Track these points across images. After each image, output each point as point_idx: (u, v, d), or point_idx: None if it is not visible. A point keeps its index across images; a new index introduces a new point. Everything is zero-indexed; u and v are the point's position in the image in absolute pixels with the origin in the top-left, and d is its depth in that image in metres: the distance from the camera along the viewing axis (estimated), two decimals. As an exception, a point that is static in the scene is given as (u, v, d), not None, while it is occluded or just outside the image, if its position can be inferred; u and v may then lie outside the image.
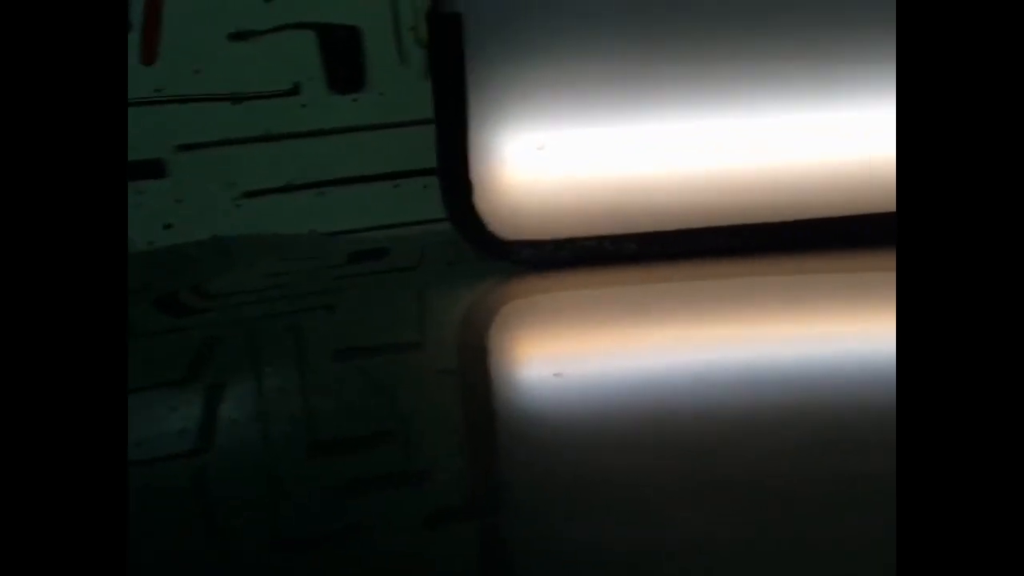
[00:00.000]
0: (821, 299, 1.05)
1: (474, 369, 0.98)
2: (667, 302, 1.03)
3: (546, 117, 1.01)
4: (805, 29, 1.02)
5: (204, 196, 1.80)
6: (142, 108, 1.78)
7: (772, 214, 1.09)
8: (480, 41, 0.98)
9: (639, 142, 1.03)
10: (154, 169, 1.79)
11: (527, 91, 1.01)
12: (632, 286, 1.03)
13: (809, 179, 1.08)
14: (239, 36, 1.79)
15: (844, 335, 0.94)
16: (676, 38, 1.00)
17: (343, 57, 1.81)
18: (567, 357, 0.95)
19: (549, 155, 1.02)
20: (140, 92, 1.78)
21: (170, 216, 1.77)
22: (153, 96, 1.79)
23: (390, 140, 1.82)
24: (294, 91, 1.82)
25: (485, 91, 0.99)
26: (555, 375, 0.90)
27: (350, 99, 1.84)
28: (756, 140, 1.06)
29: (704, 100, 1.02)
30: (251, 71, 1.80)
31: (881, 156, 1.04)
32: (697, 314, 1.03)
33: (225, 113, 1.82)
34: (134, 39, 1.76)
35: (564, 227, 1.01)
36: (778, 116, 1.05)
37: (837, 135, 1.05)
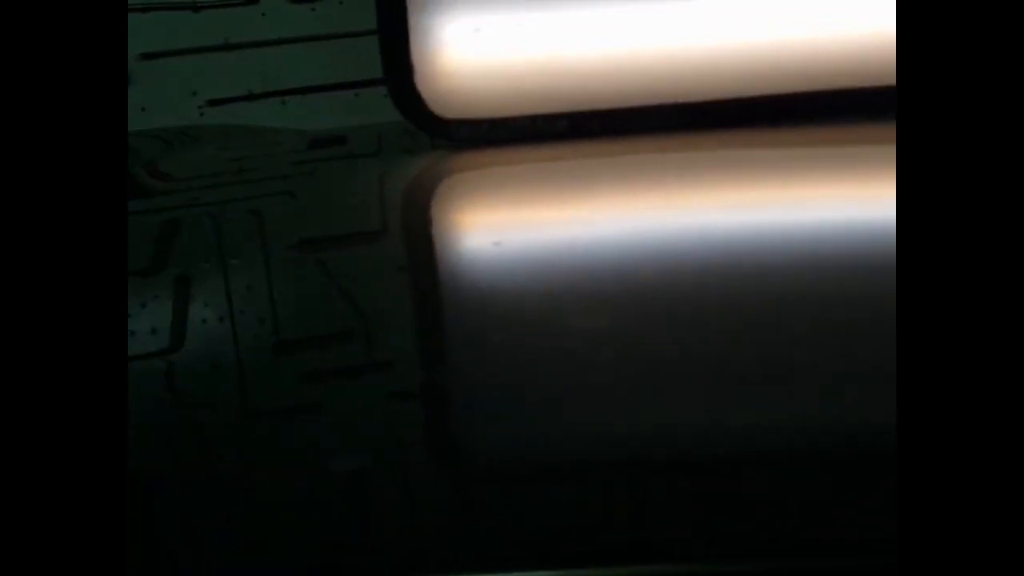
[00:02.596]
0: (749, 172, 1.10)
1: (420, 251, 1.01)
2: (599, 176, 1.08)
3: (482, 2, 1.05)
4: None
5: (167, 104, 1.83)
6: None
7: (712, 92, 1.12)
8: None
9: (574, 24, 1.07)
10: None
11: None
12: (568, 161, 1.08)
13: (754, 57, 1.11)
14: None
15: (768, 203, 0.98)
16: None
17: (301, -34, 1.84)
18: (506, 227, 0.99)
19: (485, 38, 1.07)
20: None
21: (134, 124, 1.81)
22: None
23: (349, 48, 1.86)
24: (254, 0, 1.86)
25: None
26: (494, 244, 0.93)
27: (308, 8, 1.87)
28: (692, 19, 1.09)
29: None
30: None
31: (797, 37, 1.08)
32: (634, 186, 1.07)
33: (186, 21, 1.85)
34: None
35: (500, 107, 1.06)
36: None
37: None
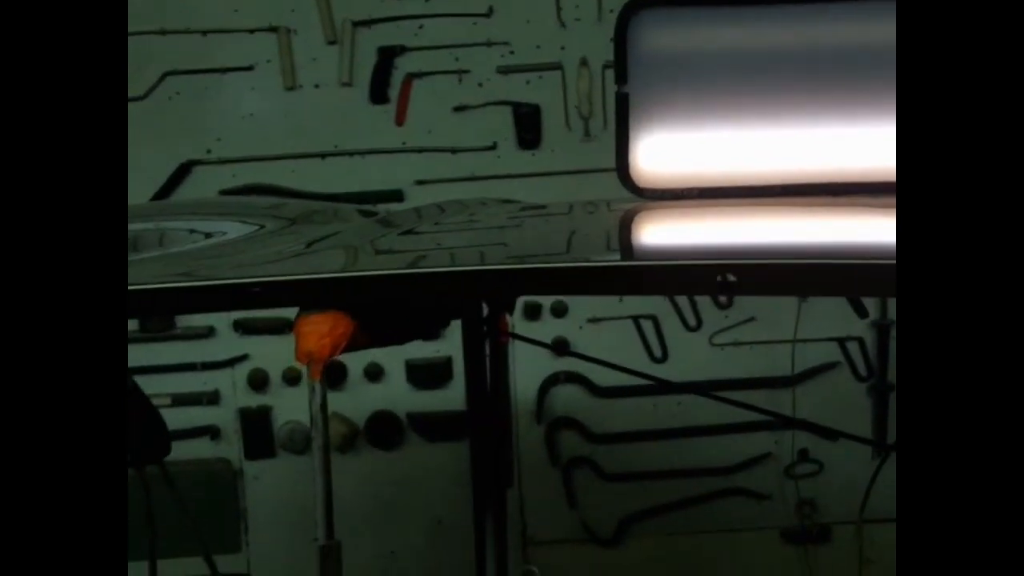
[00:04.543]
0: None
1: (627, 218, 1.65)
2: (725, 208, 1.73)
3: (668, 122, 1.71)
4: None
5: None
6: (392, 155, 2.61)
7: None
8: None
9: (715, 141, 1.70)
10: (397, 196, 2.61)
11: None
12: (699, 207, 1.73)
13: None
14: (458, 109, 2.61)
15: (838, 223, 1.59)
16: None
17: (528, 125, 2.61)
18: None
19: (667, 147, 1.72)
20: (391, 144, 2.62)
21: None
22: (399, 147, 2.62)
23: (557, 183, 2.59)
24: (493, 147, 2.63)
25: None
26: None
27: (530, 154, 2.63)
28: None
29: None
30: (465, 133, 2.61)
31: None
32: (761, 211, 1.71)
33: (446, 160, 2.63)
34: (390, 109, 2.60)
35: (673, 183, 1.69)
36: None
37: None
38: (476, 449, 1.89)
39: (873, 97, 1.51)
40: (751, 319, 2.68)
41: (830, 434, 2.60)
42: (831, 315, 2.68)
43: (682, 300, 2.69)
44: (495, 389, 1.87)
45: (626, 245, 1.50)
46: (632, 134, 1.57)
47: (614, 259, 1.33)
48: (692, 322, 2.70)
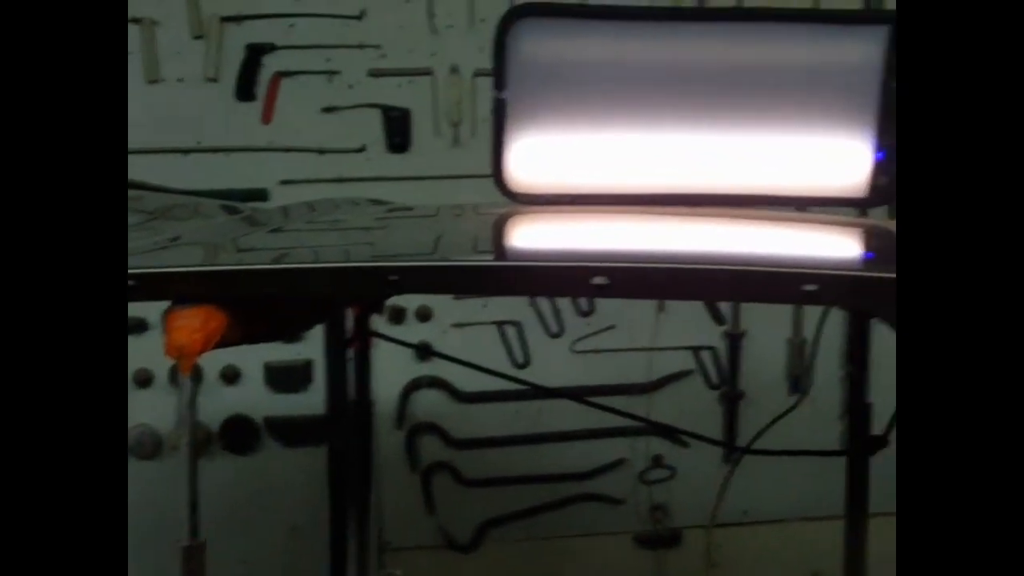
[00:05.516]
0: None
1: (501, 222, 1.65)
2: (589, 216, 1.78)
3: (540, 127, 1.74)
4: None
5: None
6: (258, 153, 2.57)
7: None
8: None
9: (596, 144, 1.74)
10: (261, 195, 2.57)
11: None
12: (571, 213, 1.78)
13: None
14: (328, 110, 2.59)
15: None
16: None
17: (397, 129, 2.61)
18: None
19: (540, 150, 1.75)
20: (257, 143, 2.58)
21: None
22: (266, 146, 2.58)
23: (426, 187, 2.60)
24: (362, 150, 2.62)
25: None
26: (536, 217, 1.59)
27: (399, 158, 2.63)
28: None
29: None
30: (334, 134, 2.60)
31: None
32: (631, 216, 1.76)
33: (313, 161, 2.60)
34: (257, 107, 2.56)
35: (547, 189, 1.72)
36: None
37: None
38: (335, 455, 1.87)
39: (742, 111, 1.58)
40: (611, 327, 2.74)
41: (683, 440, 2.70)
42: (686, 325, 2.77)
43: (545, 307, 2.74)
44: (357, 393, 1.87)
45: (498, 247, 1.52)
46: (508, 140, 1.60)
47: (487, 260, 1.35)
48: (555, 329, 2.74)
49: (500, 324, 2.71)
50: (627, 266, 1.12)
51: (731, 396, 2.84)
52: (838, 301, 1.29)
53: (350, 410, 1.86)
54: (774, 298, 1.14)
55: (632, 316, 2.72)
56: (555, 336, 2.75)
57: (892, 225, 1.96)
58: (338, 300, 1.69)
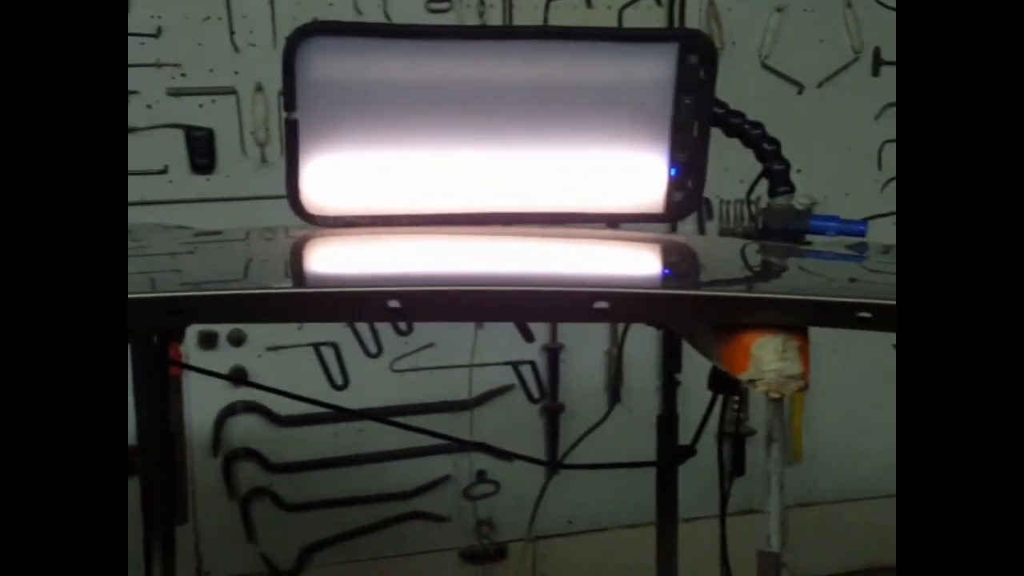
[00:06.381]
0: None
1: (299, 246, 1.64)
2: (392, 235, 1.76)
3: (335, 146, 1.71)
4: None
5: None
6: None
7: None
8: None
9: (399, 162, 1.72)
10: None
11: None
12: (370, 233, 1.76)
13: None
14: (128, 130, 2.49)
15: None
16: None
17: (201, 149, 2.53)
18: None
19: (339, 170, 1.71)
20: (50, 166, 2.44)
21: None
22: (60, 169, 2.45)
23: (234, 209, 2.52)
24: (164, 171, 2.52)
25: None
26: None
27: (204, 179, 2.55)
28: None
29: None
30: (133, 156, 2.49)
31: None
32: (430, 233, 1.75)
33: (113, 184, 2.49)
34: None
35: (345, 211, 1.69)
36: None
37: None
38: (146, 485, 1.80)
39: (542, 129, 1.58)
40: (431, 345, 2.73)
41: (506, 455, 2.71)
42: (505, 340, 2.79)
43: (363, 328, 2.70)
44: (166, 421, 1.80)
45: (298, 272, 1.49)
46: (302, 161, 1.56)
47: (286, 286, 1.32)
48: (373, 349, 2.72)
49: (317, 346, 2.67)
50: (419, 289, 1.12)
51: (552, 409, 2.87)
52: (630, 317, 1.32)
53: (160, 439, 1.79)
54: (567, 317, 1.16)
55: (451, 334, 2.72)
56: (373, 356, 2.72)
57: (693, 242, 2.03)
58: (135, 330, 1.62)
